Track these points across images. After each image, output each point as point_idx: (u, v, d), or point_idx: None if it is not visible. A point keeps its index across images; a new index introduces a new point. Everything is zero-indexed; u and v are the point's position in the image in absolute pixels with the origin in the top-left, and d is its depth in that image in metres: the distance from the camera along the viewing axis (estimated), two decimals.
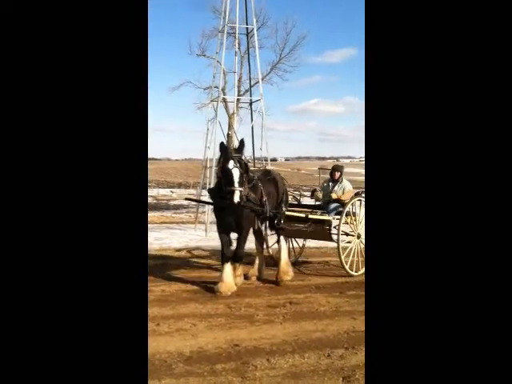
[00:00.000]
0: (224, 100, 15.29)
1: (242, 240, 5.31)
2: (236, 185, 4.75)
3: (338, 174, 6.45)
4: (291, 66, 17.20)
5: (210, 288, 5.22)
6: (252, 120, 13.58)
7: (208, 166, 12.18)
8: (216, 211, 5.46)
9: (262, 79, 13.83)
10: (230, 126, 14.80)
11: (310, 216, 6.13)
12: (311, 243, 7.68)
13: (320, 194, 6.59)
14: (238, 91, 14.80)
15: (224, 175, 4.86)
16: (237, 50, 13.47)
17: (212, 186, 7.10)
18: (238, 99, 14.47)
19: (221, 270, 5.25)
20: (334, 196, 6.29)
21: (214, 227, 11.05)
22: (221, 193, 4.99)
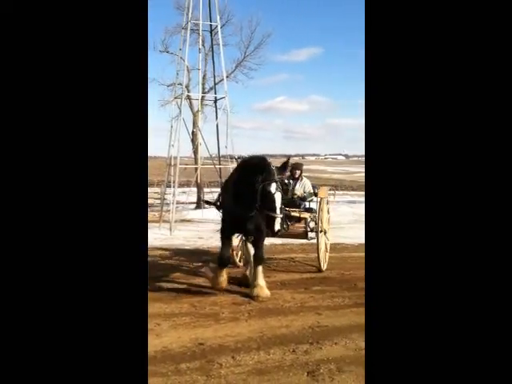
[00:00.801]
0: (188, 97, 15.15)
1: (262, 242, 5.04)
2: (278, 211, 4.43)
3: (298, 173, 6.38)
4: (256, 63, 17.19)
5: (174, 289, 5.16)
6: (217, 118, 13.51)
7: (172, 163, 12.04)
8: (231, 217, 4.93)
9: (227, 77, 13.78)
10: (195, 124, 14.69)
11: (293, 214, 6.01)
12: (277, 240, 7.71)
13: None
14: (203, 88, 14.68)
15: (264, 197, 4.42)
16: (200, 46, 13.38)
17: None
18: (202, 97, 14.35)
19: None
20: (298, 194, 6.30)
21: (179, 226, 11.04)
22: (245, 200, 4.60)
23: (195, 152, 13.73)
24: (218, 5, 12.54)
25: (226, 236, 5.02)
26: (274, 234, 4.62)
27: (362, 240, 6.24)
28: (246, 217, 4.67)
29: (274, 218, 4.41)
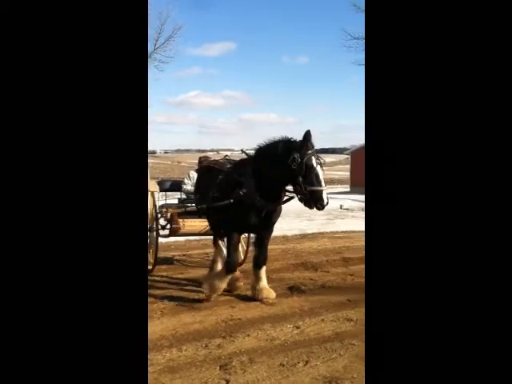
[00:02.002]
0: None
1: (268, 239, 4.74)
2: (323, 184, 4.11)
3: None
4: (167, 56, 16.85)
5: None
6: None
7: None
8: (239, 209, 4.37)
9: None
10: None
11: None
12: (192, 236, 7.65)
13: (188, 187, 5.94)
14: None
15: (305, 172, 4.03)
16: None
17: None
18: None
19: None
20: None
21: None
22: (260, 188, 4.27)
23: None
24: None
25: (234, 237, 4.52)
26: (320, 209, 4.17)
27: (292, 232, 6.41)
28: (270, 209, 4.39)
29: (319, 193, 4.06)
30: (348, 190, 29.48)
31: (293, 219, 6.22)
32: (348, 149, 34.51)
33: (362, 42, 17.37)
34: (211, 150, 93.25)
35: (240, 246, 5.68)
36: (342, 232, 10.18)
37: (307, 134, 4.12)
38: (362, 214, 14.37)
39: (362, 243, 8.74)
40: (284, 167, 4.07)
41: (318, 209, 4.13)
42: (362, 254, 7.48)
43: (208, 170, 5.16)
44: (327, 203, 4.09)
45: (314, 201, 4.07)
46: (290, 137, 4.27)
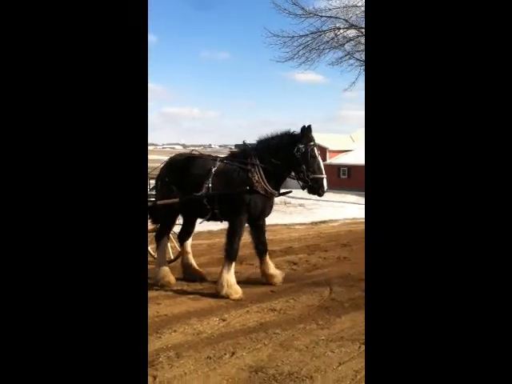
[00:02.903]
0: None
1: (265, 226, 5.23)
2: (324, 172, 4.57)
3: None
4: None
5: None
6: None
7: None
8: (257, 201, 4.70)
9: None
10: None
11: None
12: None
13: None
14: None
15: (309, 161, 4.51)
16: None
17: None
18: None
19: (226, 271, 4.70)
20: None
21: None
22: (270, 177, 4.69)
23: None
24: None
25: (243, 225, 4.79)
26: (321, 195, 4.64)
27: (217, 226, 6.40)
28: (276, 196, 4.89)
29: (321, 180, 4.52)
30: None
31: None
32: None
33: (281, 39, 17.69)
34: None
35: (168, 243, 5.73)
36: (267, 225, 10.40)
37: (308, 128, 4.60)
38: (284, 208, 14.77)
39: (286, 236, 9.05)
40: (289, 156, 4.56)
41: (319, 195, 4.62)
42: (285, 246, 7.76)
43: (185, 161, 5.11)
44: (326, 190, 4.58)
45: (316, 188, 4.55)
46: (292, 130, 4.74)
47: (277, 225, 10.33)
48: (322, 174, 4.54)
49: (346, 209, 16.26)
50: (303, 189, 4.65)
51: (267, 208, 4.91)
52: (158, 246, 5.24)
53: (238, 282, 5.00)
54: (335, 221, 12.41)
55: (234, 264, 4.78)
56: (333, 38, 18.27)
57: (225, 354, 3.24)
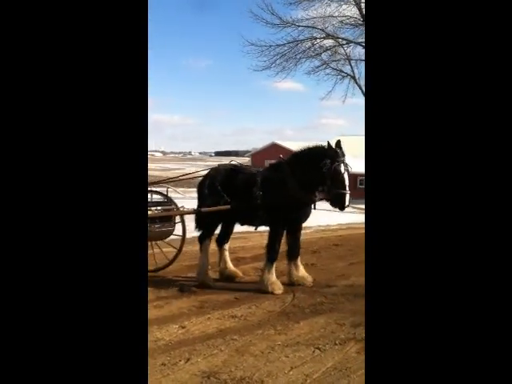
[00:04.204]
0: None
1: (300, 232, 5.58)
2: (348, 189, 4.77)
3: None
4: None
5: None
6: None
7: None
8: (292, 208, 5.15)
9: None
10: None
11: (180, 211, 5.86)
12: None
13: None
14: None
15: (334, 177, 4.76)
16: None
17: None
18: None
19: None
20: None
21: None
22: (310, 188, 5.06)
23: None
24: None
25: (282, 229, 5.24)
26: (342, 210, 4.90)
27: (190, 234, 6.46)
28: (311, 203, 5.22)
29: (343, 196, 4.75)
30: None
31: (191, 221, 6.24)
32: (250, 151, 35.28)
33: (259, 48, 17.86)
34: None
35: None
36: (238, 233, 10.44)
37: (336, 143, 4.86)
38: None
39: (257, 243, 9.10)
40: (317, 170, 4.82)
41: (340, 209, 4.89)
42: (255, 253, 7.80)
43: (231, 172, 5.59)
44: (348, 205, 4.82)
45: (337, 202, 4.82)
46: (323, 144, 4.98)
47: (250, 232, 10.37)
48: (345, 189, 4.76)
49: (320, 215, 16.40)
50: (327, 201, 4.99)
51: (304, 215, 5.35)
52: (201, 248, 5.66)
53: (204, 289, 5.03)
54: (308, 228, 12.49)
55: (274, 265, 5.20)
56: (309, 48, 18.59)
57: (180, 361, 3.27)
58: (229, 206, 5.26)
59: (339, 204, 4.80)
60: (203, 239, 5.69)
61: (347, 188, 4.77)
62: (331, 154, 4.81)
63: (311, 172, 4.92)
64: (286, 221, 5.22)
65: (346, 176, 4.80)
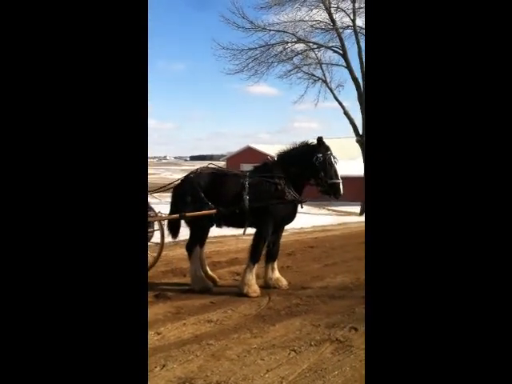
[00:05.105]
0: None
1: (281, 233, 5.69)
2: (340, 178, 5.04)
3: None
4: None
5: None
6: None
7: None
8: (281, 206, 5.21)
9: None
10: None
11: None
12: None
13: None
14: None
15: (328, 168, 5.02)
16: None
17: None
18: None
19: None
20: None
21: None
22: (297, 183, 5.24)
23: None
24: None
25: (270, 232, 5.26)
26: (338, 198, 5.13)
27: (165, 239, 6.46)
28: (300, 203, 5.30)
29: (337, 184, 5.02)
30: None
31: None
32: (225, 155, 35.28)
33: (231, 52, 17.91)
34: None
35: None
36: (214, 237, 10.42)
37: (321, 139, 5.14)
38: None
39: (233, 247, 9.10)
40: (309, 165, 5.08)
41: (336, 198, 5.14)
42: (230, 257, 7.80)
43: (215, 176, 5.49)
44: (342, 193, 5.06)
45: (333, 191, 5.07)
46: (308, 141, 5.29)
47: (226, 236, 10.36)
48: (338, 179, 5.06)
49: (296, 218, 16.49)
50: (322, 193, 5.20)
51: (292, 215, 5.42)
52: (190, 255, 5.51)
53: (179, 295, 5.01)
54: (284, 231, 12.58)
55: (256, 266, 5.25)
56: (281, 52, 18.76)
57: (155, 367, 3.24)
58: (215, 211, 5.19)
59: (335, 192, 5.06)
60: (192, 246, 5.51)
61: (339, 177, 5.07)
62: (322, 149, 5.10)
63: (305, 167, 5.15)
64: (274, 223, 5.28)
65: (336, 166, 5.12)
